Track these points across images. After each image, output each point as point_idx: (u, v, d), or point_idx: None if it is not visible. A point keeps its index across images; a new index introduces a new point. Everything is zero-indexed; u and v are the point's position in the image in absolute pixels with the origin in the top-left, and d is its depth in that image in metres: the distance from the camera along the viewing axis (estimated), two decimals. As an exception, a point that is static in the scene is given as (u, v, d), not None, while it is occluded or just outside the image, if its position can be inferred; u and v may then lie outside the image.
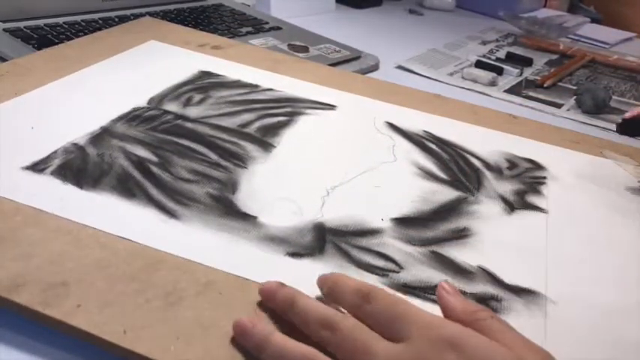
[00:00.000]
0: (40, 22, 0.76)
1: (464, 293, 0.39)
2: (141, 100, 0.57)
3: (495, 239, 0.45)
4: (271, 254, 0.40)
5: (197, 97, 0.59)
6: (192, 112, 0.56)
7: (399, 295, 0.34)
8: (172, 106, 0.57)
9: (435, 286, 0.39)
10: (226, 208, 0.44)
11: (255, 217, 0.43)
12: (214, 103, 0.59)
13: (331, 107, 0.62)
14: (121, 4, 0.87)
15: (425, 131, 0.59)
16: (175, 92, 0.60)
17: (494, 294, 0.40)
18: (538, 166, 0.57)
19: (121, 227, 0.40)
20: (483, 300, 0.39)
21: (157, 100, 0.57)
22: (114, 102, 0.56)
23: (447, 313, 0.32)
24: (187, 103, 0.58)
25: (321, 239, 0.42)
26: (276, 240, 0.41)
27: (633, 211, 0.52)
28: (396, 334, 0.30)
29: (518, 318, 0.38)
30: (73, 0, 0.81)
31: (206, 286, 0.36)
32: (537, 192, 0.52)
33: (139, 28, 0.75)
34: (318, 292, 0.36)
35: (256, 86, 0.64)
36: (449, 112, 0.65)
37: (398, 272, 0.40)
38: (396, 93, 0.67)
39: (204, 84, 0.62)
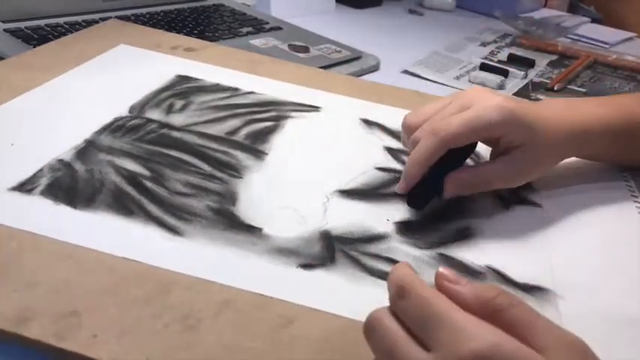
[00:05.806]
0: (41, 23, 0.75)
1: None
2: (121, 109, 0.55)
3: (497, 237, 0.46)
4: (283, 267, 0.39)
5: (179, 103, 0.58)
6: (177, 119, 0.55)
7: (433, 291, 0.29)
8: (155, 114, 0.55)
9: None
10: (229, 221, 0.42)
11: (260, 229, 0.42)
12: (197, 109, 0.57)
13: (316, 109, 0.61)
14: (121, 5, 0.85)
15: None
16: (155, 99, 0.58)
17: (506, 293, 0.40)
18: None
19: (124, 248, 0.38)
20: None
21: (139, 109, 0.55)
22: (93, 112, 0.53)
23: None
24: (170, 110, 0.56)
25: (330, 248, 0.41)
26: (285, 252, 0.40)
27: (621, 197, 0.53)
28: (426, 339, 0.29)
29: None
30: (74, 0, 0.80)
31: (223, 305, 0.35)
32: (529, 186, 0.53)
33: (106, 32, 0.72)
34: (329, 304, 0.36)
35: (236, 89, 0.62)
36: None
37: (411, 278, 0.40)
38: (375, 91, 0.67)
39: (183, 89, 0.60)
